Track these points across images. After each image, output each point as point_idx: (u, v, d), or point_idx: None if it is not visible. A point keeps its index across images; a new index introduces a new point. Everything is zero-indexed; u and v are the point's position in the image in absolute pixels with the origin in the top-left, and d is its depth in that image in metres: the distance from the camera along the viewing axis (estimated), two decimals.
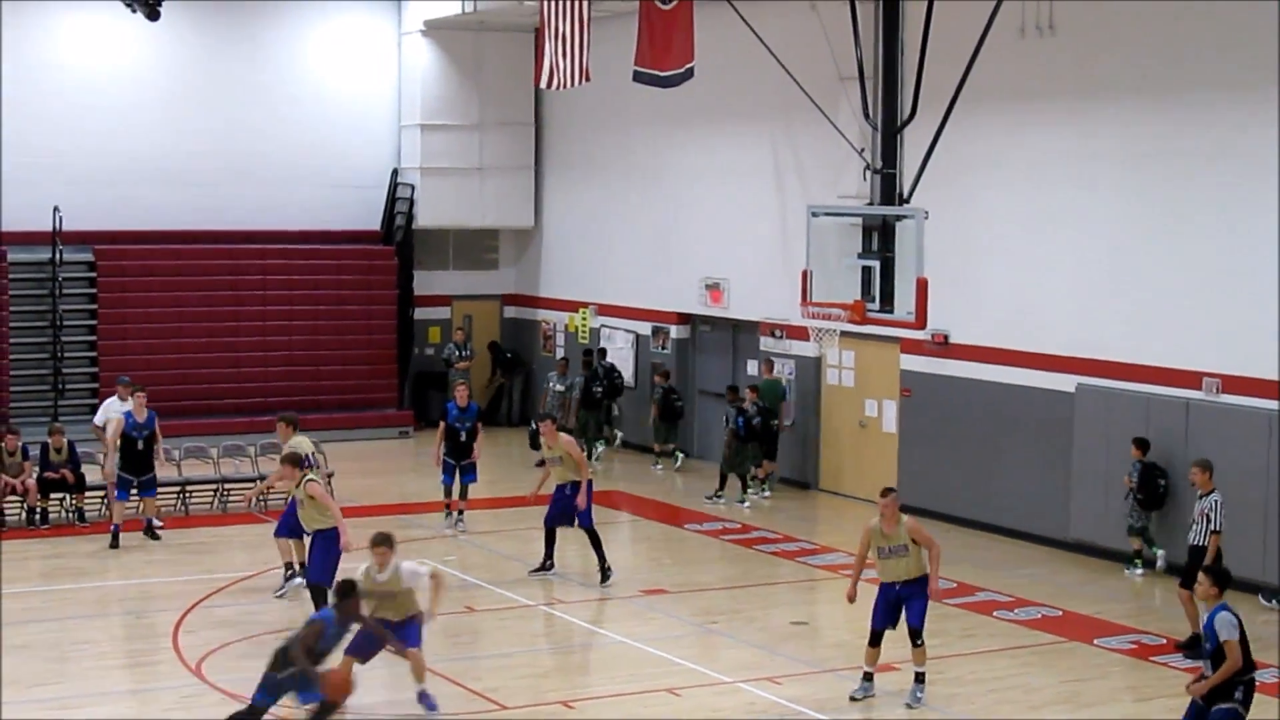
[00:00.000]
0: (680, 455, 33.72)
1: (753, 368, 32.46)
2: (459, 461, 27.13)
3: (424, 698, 17.74)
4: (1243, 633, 14.95)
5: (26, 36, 35.17)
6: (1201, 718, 15.06)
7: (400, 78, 38.89)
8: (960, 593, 23.34)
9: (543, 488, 24.57)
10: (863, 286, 21.02)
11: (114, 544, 25.68)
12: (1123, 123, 25.09)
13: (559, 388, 34.53)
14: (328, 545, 20.61)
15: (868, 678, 18.63)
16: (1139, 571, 24.52)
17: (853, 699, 18.52)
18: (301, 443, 24.01)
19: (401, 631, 17.49)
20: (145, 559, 25.44)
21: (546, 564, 24.10)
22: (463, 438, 27.11)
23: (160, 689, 18.80)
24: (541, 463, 24.85)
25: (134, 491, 26.32)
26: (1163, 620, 21.70)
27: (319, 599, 20.19)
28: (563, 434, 24.19)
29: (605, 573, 23.66)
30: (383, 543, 17.59)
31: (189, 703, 18.26)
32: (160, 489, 27.82)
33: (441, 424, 27.28)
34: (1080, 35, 25.57)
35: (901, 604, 18.39)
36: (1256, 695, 15.36)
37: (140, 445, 26.33)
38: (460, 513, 27.40)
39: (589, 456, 33.49)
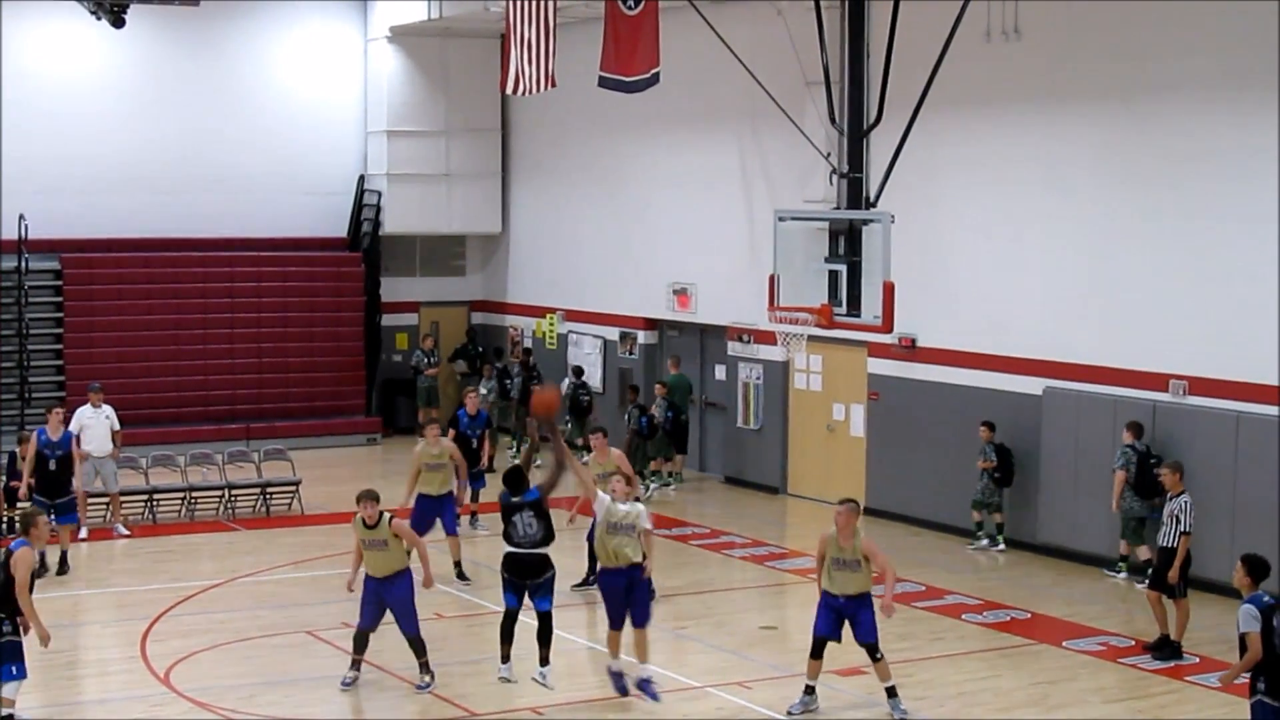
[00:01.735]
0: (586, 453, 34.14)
1: (721, 371, 32.57)
2: (470, 468, 26.88)
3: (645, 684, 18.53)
4: (1269, 624, 14.95)
5: None
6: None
7: (366, 84, 38.85)
8: (929, 595, 23.39)
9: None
10: (830, 290, 21.04)
11: (60, 569, 24.65)
12: (1089, 126, 25.16)
13: (482, 390, 34.55)
14: (410, 588, 19.21)
15: (809, 690, 18.25)
16: (984, 543, 26.37)
17: (790, 714, 18.10)
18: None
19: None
20: (112, 568, 25.37)
21: (590, 580, 23.14)
22: (474, 445, 27.28)
23: (129, 698, 18.73)
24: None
25: (52, 516, 24.42)
26: (1132, 622, 21.75)
27: (421, 649, 19.14)
28: (613, 449, 23.57)
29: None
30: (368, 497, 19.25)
31: (158, 711, 18.21)
32: (127, 497, 27.82)
33: (452, 432, 27.05)
34: (1046, 39, 25.63)
35: (843, 616, 18.06)
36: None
37: (53, 466, 25.11)
38: (475, 515, 27.54)
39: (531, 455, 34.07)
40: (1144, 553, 23.61)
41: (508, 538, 18.66)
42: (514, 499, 18.65)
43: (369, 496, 19.35)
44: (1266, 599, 15.17)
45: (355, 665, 19.22)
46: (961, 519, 27.08)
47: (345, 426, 36.94)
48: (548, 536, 18.67)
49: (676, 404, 31.82)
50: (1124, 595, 23.27)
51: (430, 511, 24.34)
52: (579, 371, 34.80)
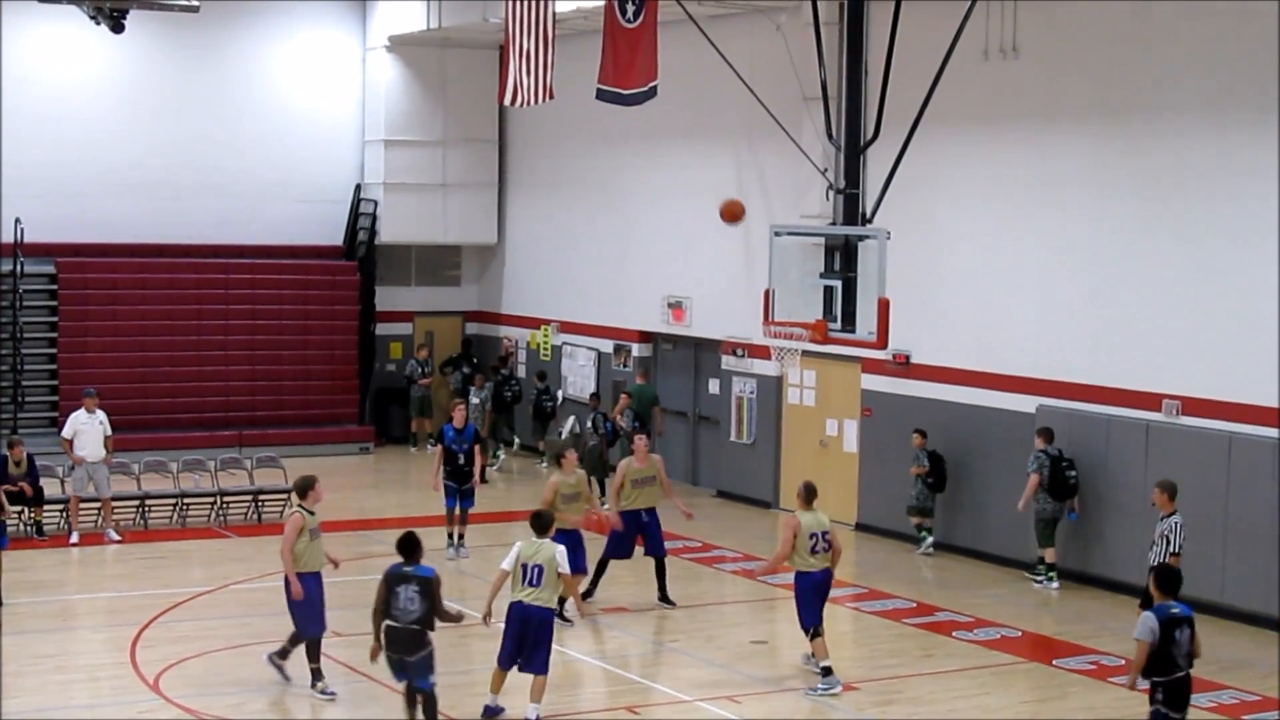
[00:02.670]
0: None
1: (714, 385, 32.59)
2: (460, 485, 26.24)
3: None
4: (1167, 637, 15.14)
5: None
6: None
7: (364, 93, 38.87)
8: (920, 613, 23.40)
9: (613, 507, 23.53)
10: (825, 306, 21.04)
11: None
12: (1086, 145, 25.20)
13: (474, 400, 34.54)
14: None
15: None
16: (924, 548, 27.21)
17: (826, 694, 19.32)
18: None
19: None
20: (103, 573, 25.36)
21: (589, 591, 23.14)
22: (460, 460, 26.24)
23: (118, 704, 18.71)
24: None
25: None
26: (1122, 641, 21.73)
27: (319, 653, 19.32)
28: (654, 455, 23.66)
29: (670, 600, 23.44)
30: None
31: (147, 718, 18.20)
32: (119, 502, 27.83)
33: (439, 447, 26.64)
34: (1044, 58, 25.67)
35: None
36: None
37: None
38: (460, 537, 26.46)
39: (495, 459, 34.76)
40: (1050, 555, 25.07)
41: (387, 609, 17.02)
42: (404, 568, 17.09)
43: (316, 480, 19.43)
44: (1173, 610, 15.38)
45: (320, 673, 19.13)
46: (954, 535, 27.11)
47: (338, 435, 36.94)
48: (427, 617, 16.93)
49: (640, 414, 32.35)
50: (1115, 614, 23.25)
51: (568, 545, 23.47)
52: (542, 376, 35.96)
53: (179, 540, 27.54)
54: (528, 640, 17.96)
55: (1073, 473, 24.86)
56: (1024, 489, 24.85)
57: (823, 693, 19.16)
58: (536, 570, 17.91)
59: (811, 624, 19.60)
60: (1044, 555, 25.19)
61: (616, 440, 31.63)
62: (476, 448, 26.71)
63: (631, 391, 32.69)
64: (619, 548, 23.49)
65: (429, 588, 16.91)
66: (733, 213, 20.15)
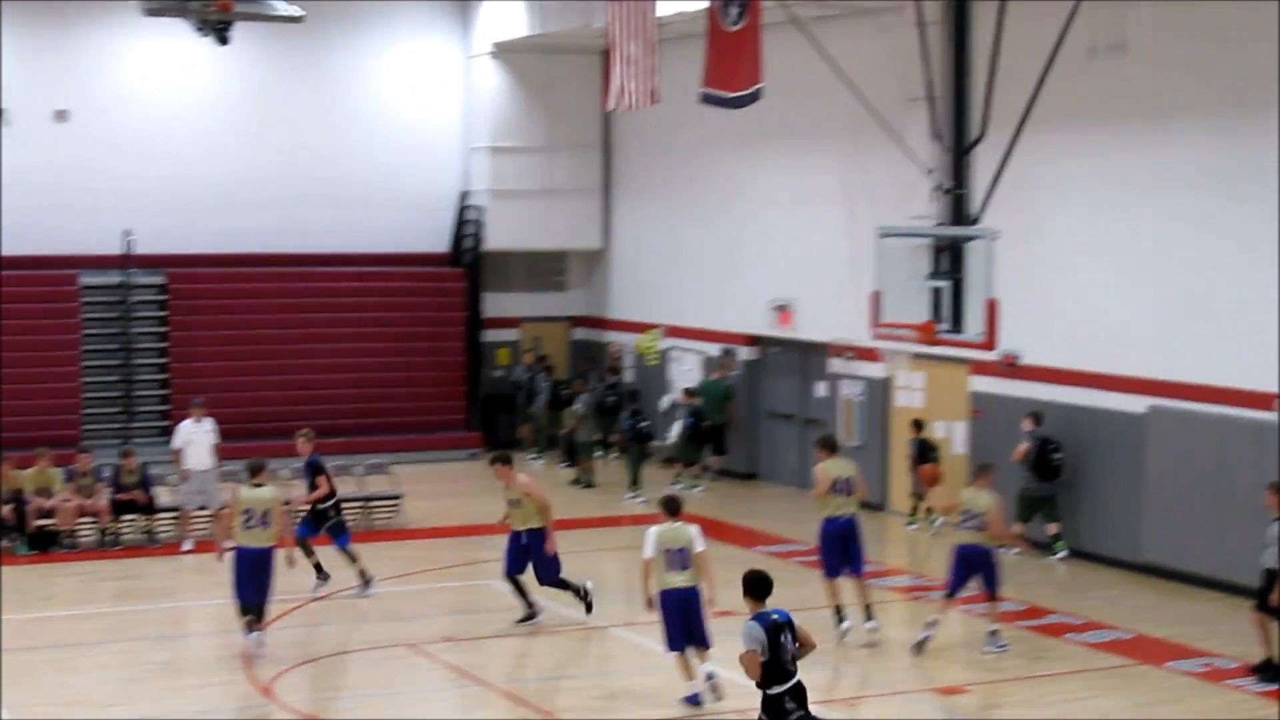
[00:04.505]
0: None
1: (822, 388, 32.46)
2: (314, 520, 24.80)
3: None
4: (774, 644, 14.74)
5: (97, 63, 35.59)
6: None
7: (468, 100, 39.01)
8: (1030, 615, 23.21)
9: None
10: (933, 307, 20.95)
11: None
12: (1195, 143, 24.94)
13: (577, 406, 34.44)
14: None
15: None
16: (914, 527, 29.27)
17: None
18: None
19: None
20: (216, 580, 25.53)
21: (530, 613, 22.51)
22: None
23: (231, 710, 18.87)
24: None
25: None
26: (1236, 644, 21.49)
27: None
28: (520, 475, 22.85)
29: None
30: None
31: None
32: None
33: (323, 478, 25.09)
34: (1152, 55, 25.41)
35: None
36: None
37: None
38: (366, 582, 24.54)
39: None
40: (1020, 529, 26.22)
41: None
42: None
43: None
44: (774, 616, 14.94)
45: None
46: (1064, 537, 26.90)
47: (446, 441, 37.04)
48: None
49: (701, 410, 33.04)
50: (1228, 616, 22.98)
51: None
52: (550, 370, 37.14)
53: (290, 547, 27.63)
54: (692, 620, 18.51)
55: (1058, 454, 26.31)
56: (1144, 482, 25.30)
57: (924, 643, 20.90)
58: (681, 554, 18.48)
59: (832, 576, 21.54)
60: (1023, 531, 26.37)
61: (649, 440, 32.70)
62: (321, 479, 24.90)
63: (697, 389, 32.73)
64: (511, 564, 22.55)
65: None
66: (931, 478, 21.64)
